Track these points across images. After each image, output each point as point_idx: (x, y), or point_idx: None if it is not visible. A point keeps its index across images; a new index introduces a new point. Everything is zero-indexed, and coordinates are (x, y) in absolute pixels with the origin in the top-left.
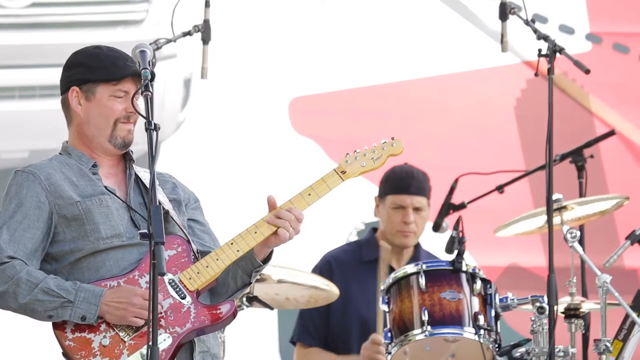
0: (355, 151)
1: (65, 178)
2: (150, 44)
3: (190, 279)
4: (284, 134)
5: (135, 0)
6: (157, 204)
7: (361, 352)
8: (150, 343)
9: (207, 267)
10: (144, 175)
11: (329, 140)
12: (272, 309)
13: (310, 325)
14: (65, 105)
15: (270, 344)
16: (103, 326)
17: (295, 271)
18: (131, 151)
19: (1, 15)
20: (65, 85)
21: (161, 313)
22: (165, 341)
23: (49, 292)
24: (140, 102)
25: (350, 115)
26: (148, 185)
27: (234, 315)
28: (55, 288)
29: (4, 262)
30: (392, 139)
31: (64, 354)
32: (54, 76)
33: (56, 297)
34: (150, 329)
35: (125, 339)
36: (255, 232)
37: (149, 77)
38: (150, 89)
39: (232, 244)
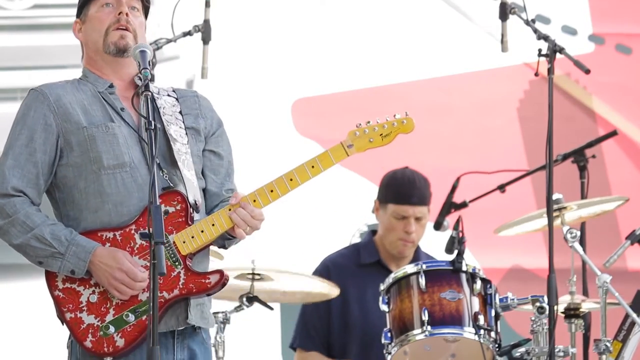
0: (367, 122)
1: (76, 101)
2: (151, 44)
3: (184, 242)
4: (286, 135)
5: None
6: (157, 203)
7: None
8: (151, 343)
9: (202, 231)
10: (163, 102)
11: (332, 141)
12: (272, 309)
13: (311, 330)
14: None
15: (273, 345)
16: (93, 280)
17: (295, 274)
18: (139, 76)
19: (3, 17)
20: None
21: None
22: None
23: (42, 240)
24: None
25: (353, 117)
26: (155, 110)
27: (223, 284)
28: (48, 237)
29: (7, 194)
30: (406, 114)
31: (54, 304)
32: (56, 78)
33: (48, 247)
34: (151, 326)
35: (113, 298)
36: (254, 200)
37: (149, 77)
38: (150, 90)
39: (229, 209)
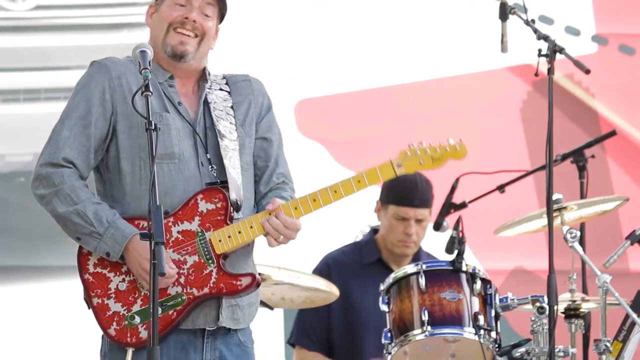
0: (420, 144)
1: (136, 84)
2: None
3: (220, 241)
4: (289, 137)
5: (140, 3)
6: (158, 203)
7: None
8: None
9: (239, 232)
10: (214, 97)
11: (335, 142)
12: (272, 309)
13: (310, 329)
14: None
15: (275, 345)
16: (124, 268)
17: (295, 272)
18: (208, 72)
19: (6, 18)
20: None
21: (183, 269)
22: (179, 300)
23: (83, 216)
24: (208, 23)
25: (356, 118)
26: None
27: (257, 286)
28: (90, 215)
29: (58, 164)
30: (460, 140)
31: (83, 287)
32: (59, 79)
33: (88, 225)
34: (152, 325)
35: (142, 289)
36: (296, 208)
37: (149, 77)
38: (151, 90)
39: (270, 214)
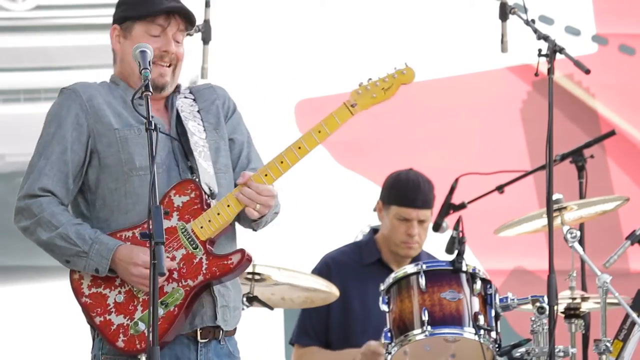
0: (369, 79)
1: (108, 103)
2: None
3: (201, 227)
4: (290, 137)
5: None
6: (157, 203)
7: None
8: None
9: (218, 214)
10: (182, 103)
11: (336, 142)
12: (272, 309)
13: (309, 326)
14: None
15: (276, 345)
16: (118, 281)
17: (295, 272)
18: (179, 85)
19: (6, 18)
20: (112, 23)
21: (174, 265)
22: (177, 295)
23: (66, 238)
24: (184, 47)
25: (356, 118)
26: (182, 120)
27: (248, 261)
28: (73, 236)
29: (35, 195)
30: (406, 64)
31: (83, 311)
32: (59, 79)
33: (72, 246)
34: (152, 311)
35: (139, 295)
36: (266, 175)
37: (149, 77)
38: (151, 90)
39: (242, 186)
